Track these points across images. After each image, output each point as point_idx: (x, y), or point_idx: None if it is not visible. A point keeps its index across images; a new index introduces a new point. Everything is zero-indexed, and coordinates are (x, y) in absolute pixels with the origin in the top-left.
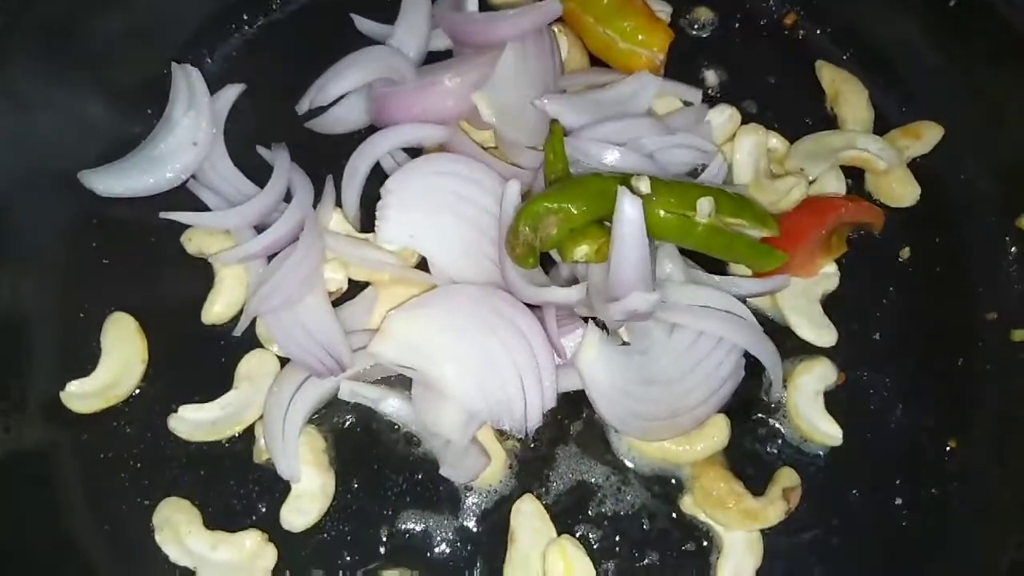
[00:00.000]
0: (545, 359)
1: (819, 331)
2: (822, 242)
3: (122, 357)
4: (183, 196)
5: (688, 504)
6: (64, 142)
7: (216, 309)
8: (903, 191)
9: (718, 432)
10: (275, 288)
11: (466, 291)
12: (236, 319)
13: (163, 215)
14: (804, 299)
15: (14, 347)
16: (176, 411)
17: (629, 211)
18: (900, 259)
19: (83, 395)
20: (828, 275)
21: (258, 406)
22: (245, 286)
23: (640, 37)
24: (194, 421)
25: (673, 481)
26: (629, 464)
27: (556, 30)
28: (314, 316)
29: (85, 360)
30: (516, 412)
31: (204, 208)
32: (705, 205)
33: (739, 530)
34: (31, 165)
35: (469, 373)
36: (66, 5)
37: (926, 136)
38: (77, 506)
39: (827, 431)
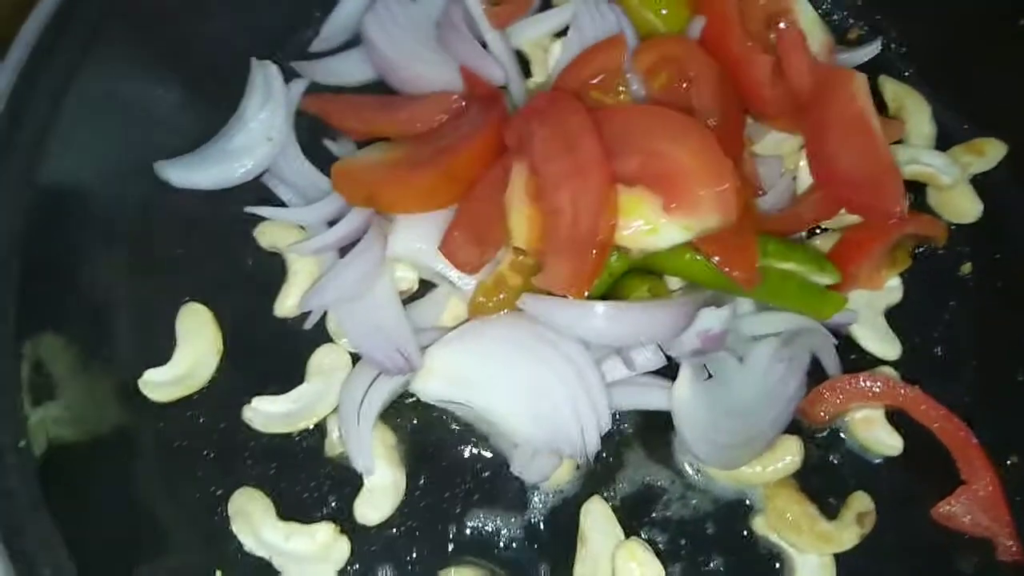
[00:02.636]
0: (594, 380)
1: (883, 343)
2: (887, 255)
3: (198, 347)
4: (256, 188)
5: (760, 525)
6: (144, 134)
7: (289, 302)
8: (966, 207)
9: (791, 454)
10: (331, 282)
11: (505, 320)
12: (308, 312)
13: (248, 209)
14: (869, 311)
15: (94, 333)
16: (250, 403)
17: None
18: (962, 274)
19: (160, 384)
20: (892, 288)
21: (330, 400)
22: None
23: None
24: (268, 413)
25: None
26: (693, 471)
27: None
28: (384, 313)
29: (162, 349)
30: (574, 438)
31: (276, 200)
32: None
33: (812, 553)
34: (112, 157)
35: (520, 403)
36: (151, 7)
37: (989, 153)
38: (154, 493)
39: (888, 443)
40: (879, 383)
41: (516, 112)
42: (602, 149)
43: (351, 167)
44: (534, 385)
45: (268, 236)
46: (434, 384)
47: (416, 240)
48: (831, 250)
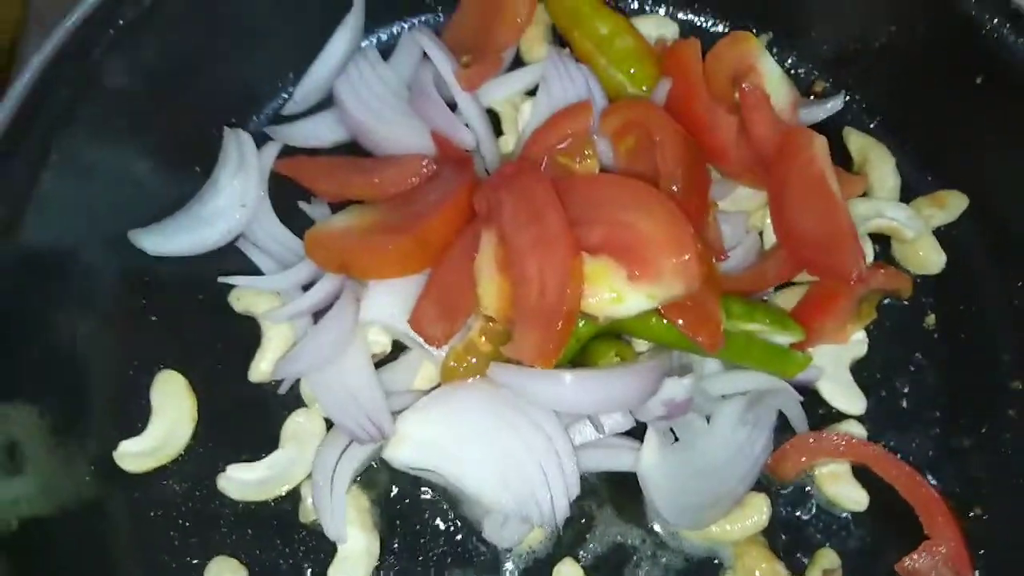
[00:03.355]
0: (564, 447)
1: (849, 399)
2: (852, 310)
3: (173, 416)
4: (232, 253)
5: None
6: (117, 202)
7: (263, 367)
8: (929, 259)
9: (758, 512)
10: (304, 350)
11: (475, 386)
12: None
13: (221, 279)
14: (834, 366)
15: (69, 405)
16: (224, 471)
17: None
18: (926, 326)
19: (136, 454)
20: (858, 342)
21: (304, 466)
22: (292, 345)
23: (644, 87)
24: (242, 481)
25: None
26: (663, 530)
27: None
28: (356, 380)
29: (136, 418)
30: (543, 505)
31: (253, 265)
32: None
33: None
34: (87, 225)
35: (489, 470)
36: (125, 77)
37: (951, 205)
38: (127, 563)
39: (854, 497)
40: (843, 440)
41: (485, 180)
42: (566, 221)
43: (323, 234)
44: (503, 452)
45: (243, 302)
46: (405, 451)
47: (389, 305)
48: (796, 306)
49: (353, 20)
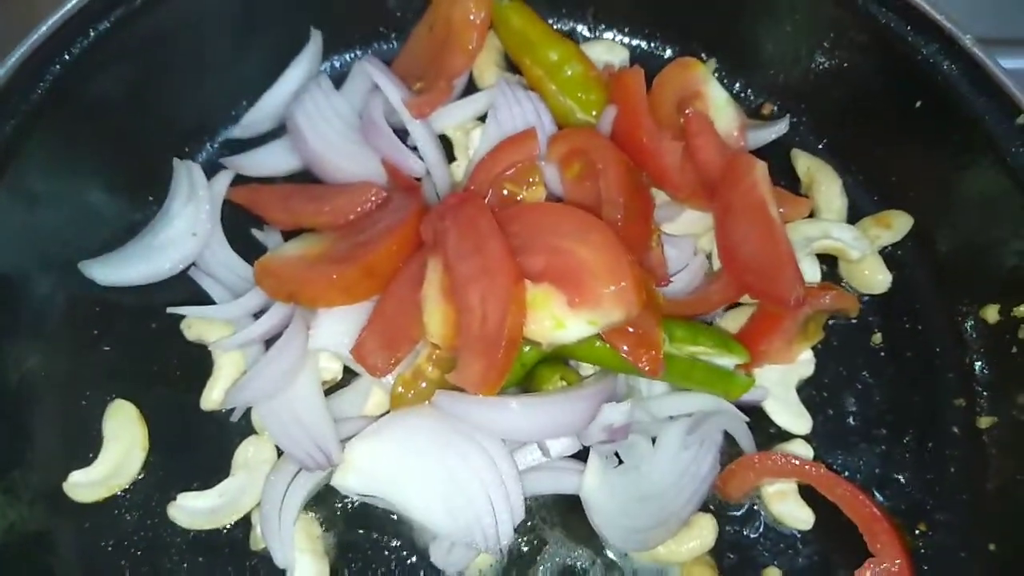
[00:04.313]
0: (508, 471)
1: (795, 418)
2: (799, 330)
3: (124, 445)
4: (184, 281)
5: None
6: (68, 231)
7: (214, 396)
8: (875, 279)
9: (705, 533)
10: (253, 379)
11: (421, 412)
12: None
13: (171, 310)
14: (781, 387)
15: (16, 436)
16: (175, 499)
17: None
18: (873, 345)
19: (86, 484)
20: (804, 362)
21: (255, 493)
22: (243, 372)
23: (593, 112)
24: (192, 509)
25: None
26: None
27: None
28: (305, 407)
29: (86, 447)
30: (488, 530)
31: (204, 293)
32: None
33: None
34: (36, 254)
35: (434, 496)
36: (75, 108)
37: (896, 225)
38: None
39: (799, 516)
40: (788, 460)
41: (432, 209)
42: (509, 250)
43: (272, 263)
44: (449, 477)
45: (194, 330)
46: (353, 479)
47: (338, 333)
48: (743, 327)
49: (310, 53)
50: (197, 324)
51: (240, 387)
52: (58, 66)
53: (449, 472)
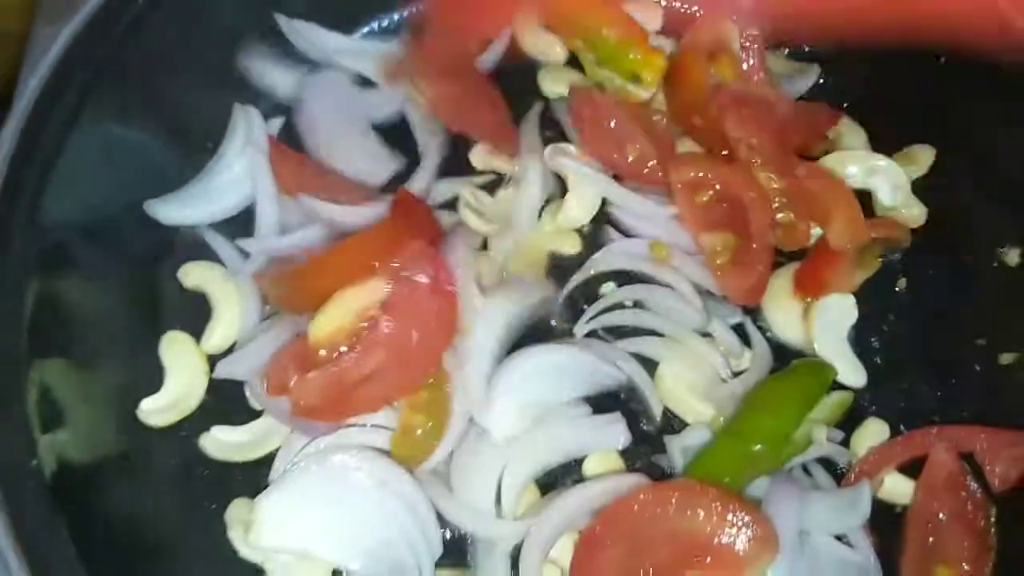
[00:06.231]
0: (424, 509)
1: (853, 372)
2: (857, 258)
3: (185, 373)
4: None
5: None
6: (134, 178)
7: (214, 341)
8: (911, 213)
9: None
10: (243, 357)
11: (327, 461)
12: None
13: (239, 242)
14: (834, 337)
15: (95, 363)
16: (209, 431)
17: None
18: (897, 289)
19: (156, 411)
20: (848, 308)
21: (279, 435)
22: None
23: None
24: (223, 441)
25: None
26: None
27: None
28: None
29: (155, 376)
30: (409, 571)
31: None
32: None
33: None
34: (107, 197)
35: (352, 542)
36: (144, 60)
37: (921, 159)
38: (155, 508)
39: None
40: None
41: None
42: None
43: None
44: (364, 521)
45: (192, 277)
46: (266, 536)
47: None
48: (805, 259)
49: None
50: (195, 271)
51: (233, 359)
52: (130, 15)
53: (364, 516)
